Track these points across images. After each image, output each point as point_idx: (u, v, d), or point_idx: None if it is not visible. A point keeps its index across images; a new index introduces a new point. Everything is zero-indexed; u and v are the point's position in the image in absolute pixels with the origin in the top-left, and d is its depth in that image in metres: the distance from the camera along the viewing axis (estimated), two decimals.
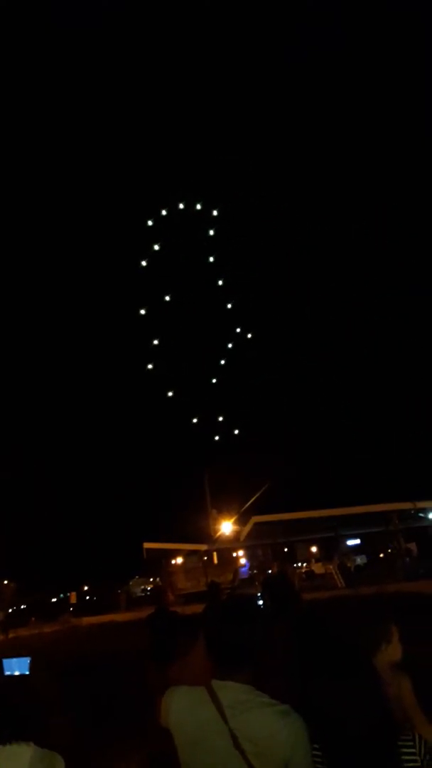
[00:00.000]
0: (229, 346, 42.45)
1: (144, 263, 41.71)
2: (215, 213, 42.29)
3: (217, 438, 40.71)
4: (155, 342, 41.20)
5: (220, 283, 42.67)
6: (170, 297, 41.56)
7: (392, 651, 1.85)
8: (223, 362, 42.35)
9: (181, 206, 41.78)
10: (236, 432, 41.39)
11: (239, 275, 42.81)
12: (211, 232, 42.35)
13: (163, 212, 41.85)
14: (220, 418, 40.97)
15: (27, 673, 2.91)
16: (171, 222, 41.97)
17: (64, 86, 77.15)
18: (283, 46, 72.53)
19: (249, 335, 42.53)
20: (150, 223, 41.96)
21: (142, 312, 41.11)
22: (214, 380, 41.71)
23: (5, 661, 2.99)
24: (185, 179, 45.41)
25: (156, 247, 41.70)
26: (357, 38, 73.52)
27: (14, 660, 2.95)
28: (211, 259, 42.50)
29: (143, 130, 76.15)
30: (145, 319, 41.28)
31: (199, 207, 42.00)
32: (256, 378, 42.70)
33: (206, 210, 42.27)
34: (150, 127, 78.18)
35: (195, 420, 40.75)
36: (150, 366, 40.86)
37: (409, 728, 1.71)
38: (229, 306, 42.60)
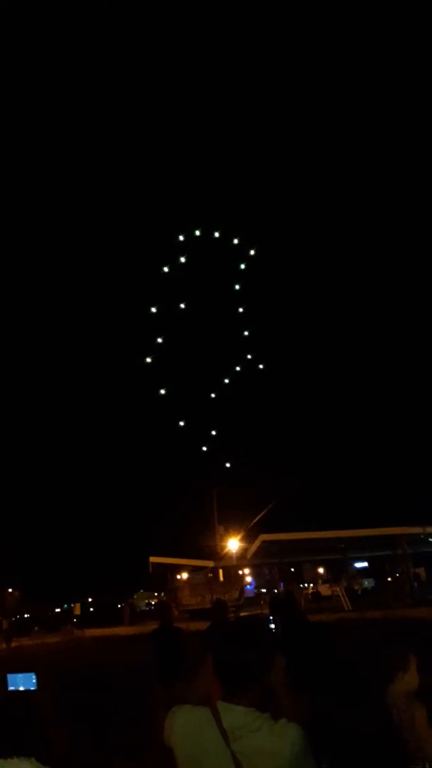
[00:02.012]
0: (238, 369, 42.61)
1: (166, 269, 42.06)
2: (252, 253, 42.91)
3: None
4: (162, 343, 41.53)
5: (240, 310, 43.15)
6: (185, 305, 41.90)
7: (409, 680, 1.79)
8: (232, 379, 42.44)
9: (217, 235, 42.26)
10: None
11: (261, 309, 43.25)
12: (242, 266, 42.85)
13: (197, 233, 42.24)
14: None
15: (32, 689, 2.81)
16: (202, 243, 42.37)
17: (74, 88, 77.81)
18: (284, 47, 72.36)
19: (260, 365, 42.72)
20: (181, 237, 42.29)
21: (153, 310, 41.47)
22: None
23: (9, 676, 2.89)
24: (221, 209, 45.97)
25: (182, 260, 41.98)
26: (357, 38, 73.26)
27: (19, 675, 2.87)
28: (237, 287, 42.99)
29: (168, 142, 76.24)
30: (155, 327, 41.70)
31: (236, 242, 42.65)
32: (267, 396, 42.77)
33: (243, 246, 42.91)
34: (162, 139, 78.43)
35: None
36: (149, 359, 41.08)
37: (421, 758, 1.67)
38: (246, 333, 42.99)
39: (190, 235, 42.26)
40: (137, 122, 79.01)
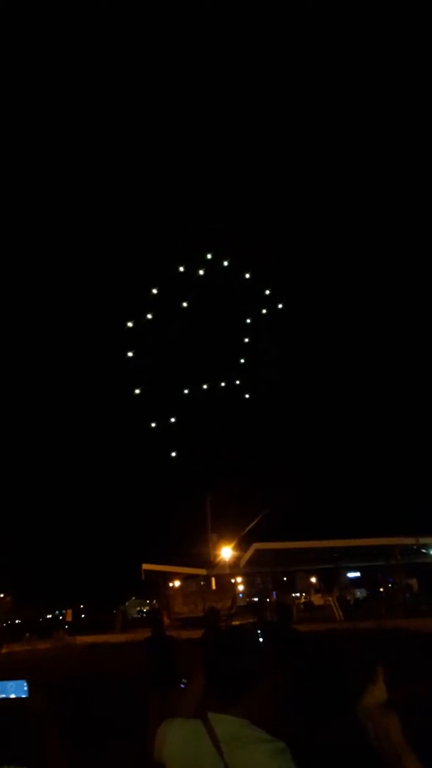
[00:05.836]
0: (230, 381, 42.66)
1: (182, 268, 41.72)
2: (280, 306, 42.90)
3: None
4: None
5: (246, 340, 43.22)
6: (188, 305, 41.67)
7: (377, 692, 1.81)
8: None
9: (247, 276, 42.17)
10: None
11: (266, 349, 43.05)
12: (264, 311, 42.88)
13: (225, 263, 42.03)
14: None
15: (23, 696, 2.75)
16: (228, 272, 42.43)
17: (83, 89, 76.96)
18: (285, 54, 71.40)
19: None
20: (209, 255, 42.06)
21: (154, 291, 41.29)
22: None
23: (0, 684, 2.83)
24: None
25: (201, 272, 41.76)
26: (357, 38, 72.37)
27: (10, 682, 2.80)
28: (248, 320, 43.07)
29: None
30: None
31: (267, 292, 42.62)
32: (262, 405, 42.81)
33: (272, 297, 42.87)
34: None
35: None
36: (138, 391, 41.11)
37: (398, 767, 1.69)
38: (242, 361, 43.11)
39: (218, 261, 41.97)
40: (196, 134, 77.83)
